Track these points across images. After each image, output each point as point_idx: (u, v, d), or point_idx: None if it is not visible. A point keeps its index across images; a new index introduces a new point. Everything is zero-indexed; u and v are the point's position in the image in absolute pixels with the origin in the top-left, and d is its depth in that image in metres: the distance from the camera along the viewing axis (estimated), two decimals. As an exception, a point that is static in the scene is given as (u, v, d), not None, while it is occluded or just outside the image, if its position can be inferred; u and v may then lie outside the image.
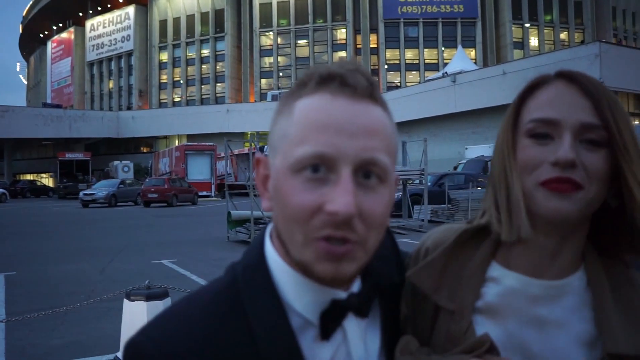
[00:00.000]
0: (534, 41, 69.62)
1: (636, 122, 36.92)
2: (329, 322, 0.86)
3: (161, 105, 77.31)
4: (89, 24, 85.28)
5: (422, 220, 16.73)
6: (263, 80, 73.71)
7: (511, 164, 0.94)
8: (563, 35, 70.65)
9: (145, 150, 69.42)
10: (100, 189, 33.74)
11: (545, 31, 70.10)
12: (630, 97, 38.53)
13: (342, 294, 0.87)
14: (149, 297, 4.69)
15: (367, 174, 0.80)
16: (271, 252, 0.90)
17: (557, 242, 0.94)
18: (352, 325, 0.89)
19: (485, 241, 1.02)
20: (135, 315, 4.68)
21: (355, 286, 0.91)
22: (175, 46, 77.82)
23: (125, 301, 4.83)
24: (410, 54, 69.11)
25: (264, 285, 0.88)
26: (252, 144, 30.28)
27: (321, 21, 69.94)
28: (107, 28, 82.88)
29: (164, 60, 78.82)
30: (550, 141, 0.91)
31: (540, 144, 0.92)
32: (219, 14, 74.75)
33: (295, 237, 0.80)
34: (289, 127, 0.82)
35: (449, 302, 0.99)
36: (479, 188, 18.93)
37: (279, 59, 72.95)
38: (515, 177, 0.93)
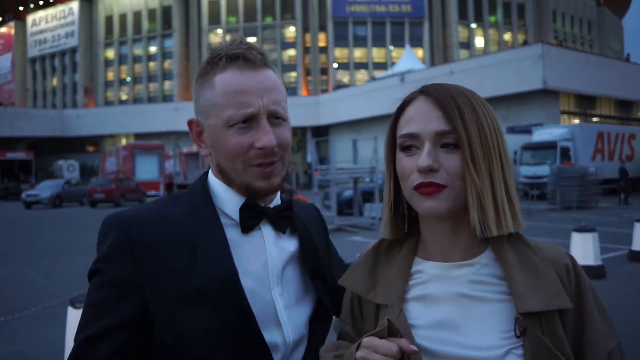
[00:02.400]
0: (479, 41, 71.06)
1: (576, 121, 38.20)
2: (247, 219, 1.23)
3: (107, 103, 75.58)
4: (30, 18, 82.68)
5: (374, 218, 16.85)
6: (212, 78, 72.73)
7: (388, 174, 1.20)
8: (507, 36, 72.32)
9: (91, 150, 67.76)
10: (44, 189, 32.73)
11: (490, 32, 71.60)
12: (571, 97, 39.79)
13: (260, 203, 1.25)
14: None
15: (274, 118, 1.22)
16: (211, 176, 1.30)
17: (451, 229, 1.13)
18: (268, 231, 1.26)
19: (407, 242, 1.22)
20: (81, 323, 4.55)
21: (272, 205, 1.30)
22: (121, 43, 76.15)
23: (70, 308, 4.68)
24: (359, 53, 69.48)
25: (202, 188, 1.28)
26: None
27: (270, 19, 69.61)
28: (49, 23, 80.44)
29: (110, 58, 76.99)
30: (417, 151, 1.10)
31: (409, 155, 1.11)
32: (166, 10, 73.52)
33: (236, 167, 1.21)
34: (215, 97, 1.21)
35: (383, 298, 1.16)
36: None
37: (228, 56, 72.01)
38: (387, 186, 1.20)
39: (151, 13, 74.56)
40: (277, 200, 1.33)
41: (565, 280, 1.09)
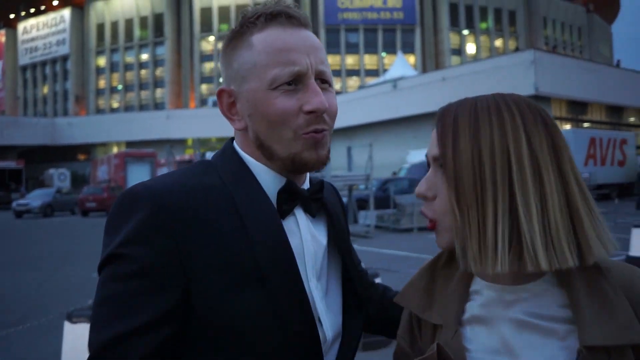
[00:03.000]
0: (470, 48, 71.37)
1: (568, 127, 38.33)
2: (283, 203, 1.09)
3: (99, 111, 75.31)
4: (21, 26, 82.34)
5: (369, 225, 16.75)
6: (204, 86, 72.83)
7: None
8: (498, 43, 72.69)
9: (82, 158, 67.33)
10: (35, 198, 32.40)
11: (482, 38, 71.97)
12: (563, 103, 39.92)
13: (298, 186, 1.12)
14: (92, 319, 4.43)
15: (322, 81, 1.09)
16: (240, 151, 1.14)
17: None
18: (301, 216, 1.13)
19: None
20: (78, 339, 4.44)
21: (305, 187, 1.17)
22: (113, 51, 75.95)
23: (66, 323, 4.56)
24: (351, 60, 69.63)
25: (237, 159, 1.12)
26: (194, 150, 29.88)
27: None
28: (41, 31, 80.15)
29: (101, 65, 76.74)
30: None
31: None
32: (158, 18, 73.43)
33: (284, 136, 1.06)
34: (255, 57, 1.06)
35: (439, 318, 1.07)
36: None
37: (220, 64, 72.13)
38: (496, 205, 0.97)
39: (143, 20, 74.45)
40: (307, 182, 1.20)
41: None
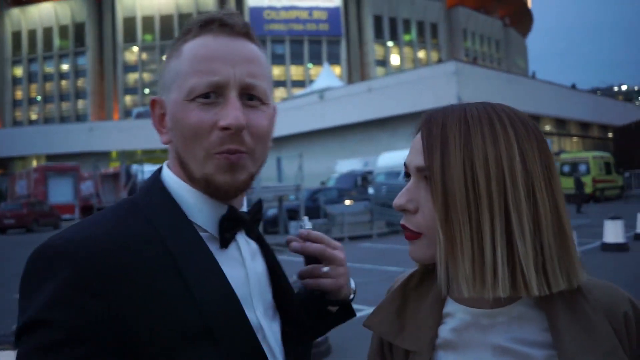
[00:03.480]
0: (395, 59, 73.10)
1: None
2: (226, 231, 0.99)
3: (16, 123, 72.31)
4: None
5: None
6: (127, 97, 71.40)
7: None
8: (421, 54, 74.95)
9: (-2, 172, 64.50)
10: (-53, 215, 30.81)
11: (405, 50, 73.98)
12: (483, 113, 41.43)
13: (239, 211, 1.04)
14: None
15: (250, 97, 0.97)
16: (169, 175, 1.03)
17: None
18: (243, 242, 1.05)
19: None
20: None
21: (244, 209, 1.08)
22: (31, 60, 73.25)
23: None
24: (277, 71, 69.90)
25: (160, 190, 1.01)
26: (120, 162, 29.12)
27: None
28: (-49, 40, 76.38)
29: (18, 76, 73.82)
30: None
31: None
32: (79, 27, 71.42)
33: (197, 154, 0.95)
34: (180, 65, 0.98)
35: (411, 343, 1.00)
36: (352, 202, 19.46)
37: (144, 75, 70.99)
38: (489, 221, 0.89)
39: (63, 29, 72.22)
40: (243, 203, 1.10)
41: (623, 333, 0.89)
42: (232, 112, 0.93)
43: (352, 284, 1.25)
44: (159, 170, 1.06)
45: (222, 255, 0.98)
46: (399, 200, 0.96)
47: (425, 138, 0.94)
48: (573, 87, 55.23)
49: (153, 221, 0.95)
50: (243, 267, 1.02)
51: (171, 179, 1.02)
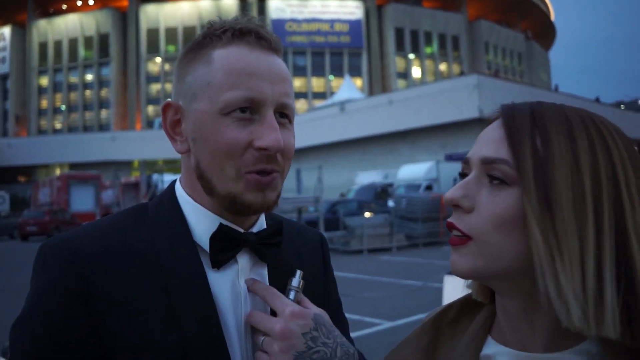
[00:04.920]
0: (416, 71, 73.03)
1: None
2: (219, 252, 0.93)
3: (41, 132, 73.30)
4: (-42, 45, 79.78)
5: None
6: (150, 107, 72.04)
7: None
8: (443, 67, 74.73)
9: (23, 180, 65.22)
10: (-28, 222, 31.31)
11: (427, 62, 73.84)
12: (505, 126, 41.15)
13: (239, 229, 0.96)
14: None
15: (282, 114, 0.94)
16: (179, 190, 1.00)
17: (521, 305, 0.79)
18: (245, 263, 0.97)
19: (481, 314, 0.89)
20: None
21: (255, 229, 1.00)
22: (56, 70, 74.27)
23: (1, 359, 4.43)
24: (298, 83, 70.15)
25: (172, 202, 0.98)
26: (140, 173, 29.37)
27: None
28: (-21, 50, 77.86)
29: (44, 85, 74.91)
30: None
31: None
32: (103, 38, 72.38)
33: (226, 172, 0.90)
34: (212, 75, 0.92)
35: None
36: (372, 214, 19.38)
37: (167, 85, 71.66)
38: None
39: (88, 40, 73.24)
40: (261, 222, 1.02)
41: None
42: (271, 134, 0.89)
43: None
44: (172, 184, 1.03)
45: (218, 275, 0.94)
46: (453, 193, 0.80)
47: (507, 127, 0.78)
48: (597, 100, 54.65)
49: (154, 233, 0.94)
50: (237, 291, 0.95)
51: (179, 192, 1.00)
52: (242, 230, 0.96)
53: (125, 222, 0.96)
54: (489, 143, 0.80)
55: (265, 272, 1.00)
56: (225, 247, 0.93)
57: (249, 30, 0.94)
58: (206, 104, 0.91)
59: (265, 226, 1.03)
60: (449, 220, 0.81)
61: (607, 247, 0.70)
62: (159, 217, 0.96)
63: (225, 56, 0.92)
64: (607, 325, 0.69)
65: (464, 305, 0.93)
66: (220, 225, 0.93)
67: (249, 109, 0.90)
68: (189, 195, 0.97)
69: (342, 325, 1.13)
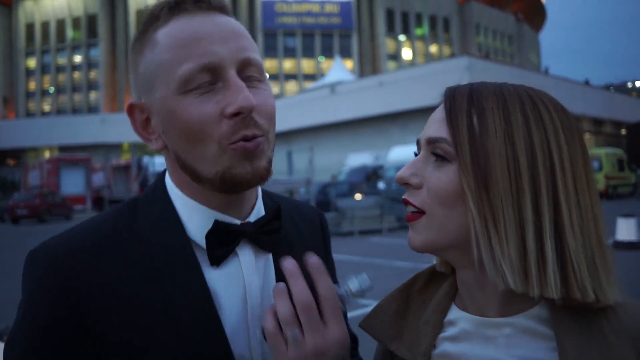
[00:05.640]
0: (406, 53, 72.88)
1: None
2: (217, 247, 0.88)
3: (29, 114, 72.73)
4: (-56, 26, 78.70)
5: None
6: (140, 89, 71.65)
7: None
8: (433, 49, 74.57)
9: (12, 163, 64.77)
10: (-40, 205, 31.13)
11: (417, 44, 73.67)
12: (495, 108, 41.31)
13: (235, 221, 0.91)
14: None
15: (247, 77, 0.86)
16: (170, 184, 0.94)
17: (473, 271, 0.84)
18: (246, 255, 0.92)
19: (447, 282, 0.95)
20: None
21: (253, 217, 0.95)
22: (44, 52, 73.53)
23: None
24: (288, 64, 69.97)
25: (163, 196, 0.93)
26: (131, 155, 29.26)
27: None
28: (-35, 31, 76.86)
29: (31, 67, 74.17)
30: None
31: None
32: (91, 19, 71.60)
33: (207, 152, 0.83)
34: (159, 56, 0.85)
35: (407, 351, 0.90)
36: (363, 196, 19.43)
37: (157, 67, 71.25)
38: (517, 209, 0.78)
39: (76, 21, 72.44)
40: (259, 209, 0.97)
41: None
42: (238, 95, 0.82)
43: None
44: (163, 174, 0.97)
45: (218, 272, 0.90)
46: (402, 172, 0.86)
47: (448, 108, 0.83)
48: (586, 83, 54.80)
49: (146, 231, 0.89)
50: (241, 285, 0.91)
51: (170, 187, 0.94)
52: (238, 222, 0.91)
53: (115, 221, 0.90)
54: (433, 123, 0.85)
55: (270, 259, 0.97)
56: (222, 242, 0.89)
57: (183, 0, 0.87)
58: (163, 88, 0.85)
59: (263, 212, 0.98)
60: (403, 196, 0.86)
61: (546, 214, 0.76)
62: (151, 214, 0.91)
63: (167, 32, 0.86)
64: (550, 285, 0.75)
65: (431, 274, 0.97)
66: (216, 221, 0.88)
67: (208, 80, 0.83)
68: (180, 190, 0.92)
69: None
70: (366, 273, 0.85)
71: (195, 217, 0.90)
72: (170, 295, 0.85)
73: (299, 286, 0.80)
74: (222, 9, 0.89)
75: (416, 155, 0.89)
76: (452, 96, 0.84)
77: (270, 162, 0.89)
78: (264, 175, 0.88)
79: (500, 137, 0.78)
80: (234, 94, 0.82)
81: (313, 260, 0.81)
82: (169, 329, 0.83)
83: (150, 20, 0.89)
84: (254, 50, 0.88)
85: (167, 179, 0.95)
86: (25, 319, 0.84)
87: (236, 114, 0.82)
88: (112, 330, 0.82)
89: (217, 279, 0.89)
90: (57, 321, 0.82)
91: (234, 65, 0.84)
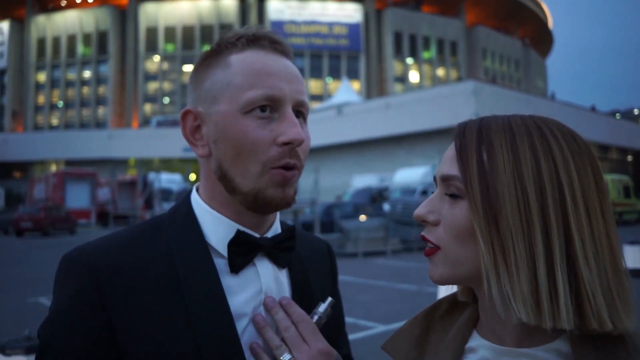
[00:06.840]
0: (413, 76, 73.24)
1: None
2: (237, 255, 0.97)
3: (37, 128, 73.29)
4: (-44, 39, 79.58)
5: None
6: (147, 106, 72.12)
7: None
8: (440, 72, 75.01)
9: (18, 176, 65.10)
10: (-34, 217, 31.20)
11: (424, 67, 74.02)
12: (501, 132, 41.30)
13: (255, 234, 1.00)
14: (29, 350, 3.71)
15: (298, 113, 1.00)
16: (195, 197, 1.04)
17: (488, 303, 0.85)
18: (264, 267, 1.00)
19: (469, 309, 0.96)
20: (15, 371, 4.19)
21: (270, 234, 1.04)
22: (54, 67, 74.29)
23: (0, 357, 4.32)
24: (297, 84, 70.36)
25: (186, 211, 1.02)
26: (137, 170, 29.34)
27: (208, 47, 69.54)
28: (-24, 44, 77.67)
29: (41, 81, 74.88)
30: None
31: None
32: (102, 35, 72.42)
33: (251, 169, 0.94)
34: (231, 77, 0.96)
35: None
36: (367, 217, 19.38)
37: (165, 84, 71.68)
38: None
39: (86, 37, 73.27)
40: (276, 227, 1.06)
41: None
42: (292, 128, 0.94)
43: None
44: (189, 193, 1.07)
45: (236, 280, 0.97)
46: (420, 210, 0.89)
47: (458, 146, 0.85)
48: (592, 109, 54.87)
49: (170, 242, 0.97)
50: (260, 292, 0.99)
51: (195, 200, 1.03)
52: (257, 236, 1.00)
53: (142, 234, 1.00)
54: (446, 161, 0.88)
55: (285, 276, 1.05)
56: (241, 251, 0.97)
57: (263, 35, 1.00)
58: (227, 104, 0.95)
59: (280, 231, 1.06)
60: (422, 233, 0.90)
61: (557, 247, 0.76)
62: (174, 226, 1.00)
63: (242, 59, 0.97)
64: (562, 317, 0.75)
65: (454, 301, 0.99)
66: (238, 231, 0.97)
67: (269, 108, 0.95)
68: (207, 203, 1.01)
69: (343, 337, 1.23)
70: (331, 298, 1.01)
71: (218, 228, 0.99)
72: (189, 302, 0.92)
73: (278, 315, 0.94)
74: (288, 55, 1.02)
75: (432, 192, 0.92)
76: (463, 133, 0.86)
77: (296, 192, 1.00)
78: (291, 201, 0.98)
79: (509, 172, 0.79)
80: (288, 126, 0.94)
81: (279, 299, 0.97)
82: (186, 336, 0.90)
83: (226, 44, 1.00)
84: (306, 94, 1.01)
85: (194, 195, 1.05)
86: (56, 323, 0.92)
87: (286, 144, 0.94)
88: (135, 338, 0.90)
89: (235, 286, 0.97)
90: (88, 328, 0.89)
91: (292, 103, 0.97)
